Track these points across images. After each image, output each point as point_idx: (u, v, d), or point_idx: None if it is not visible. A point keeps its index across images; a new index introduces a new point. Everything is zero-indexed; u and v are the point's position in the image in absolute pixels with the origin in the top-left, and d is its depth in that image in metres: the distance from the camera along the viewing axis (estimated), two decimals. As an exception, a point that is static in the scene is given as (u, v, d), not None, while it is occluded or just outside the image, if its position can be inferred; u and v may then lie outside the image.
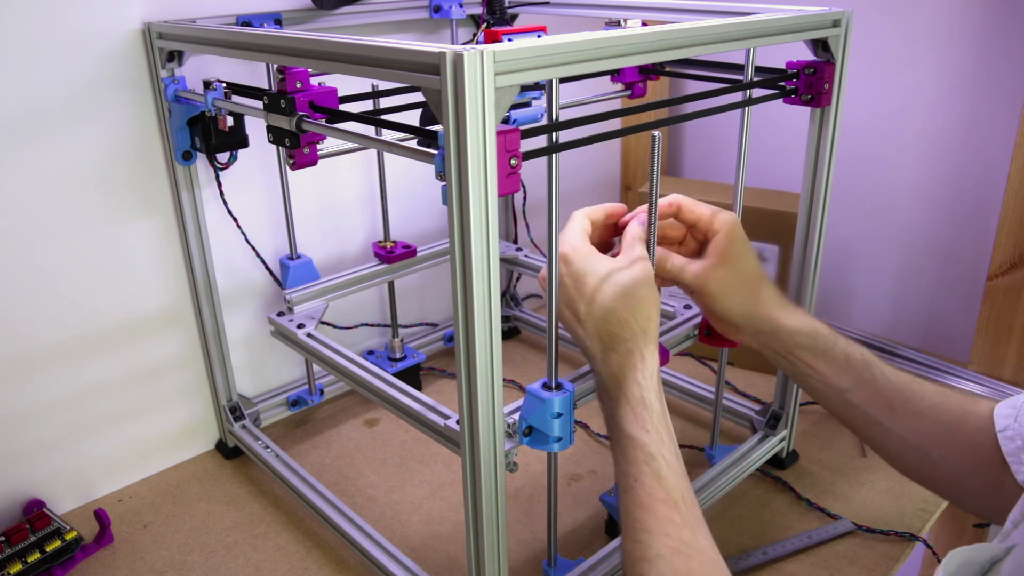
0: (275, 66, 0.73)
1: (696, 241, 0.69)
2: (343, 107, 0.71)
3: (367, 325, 1.12)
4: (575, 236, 0.62)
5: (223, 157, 0.86)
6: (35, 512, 0.80)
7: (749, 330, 0.66)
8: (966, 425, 0.59)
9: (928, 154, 1.12)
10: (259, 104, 0.69)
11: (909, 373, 0.64)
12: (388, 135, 0.63)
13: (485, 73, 0.45)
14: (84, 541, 0.81)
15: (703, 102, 0.67)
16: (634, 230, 0.63)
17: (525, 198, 1.20)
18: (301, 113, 0.65)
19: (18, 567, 0.75)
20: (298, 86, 0.68)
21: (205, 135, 0.81)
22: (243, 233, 0.92)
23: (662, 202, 0.67)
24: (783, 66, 0.74)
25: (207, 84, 0.76)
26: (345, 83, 0.74)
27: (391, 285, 1.06)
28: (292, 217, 0.94)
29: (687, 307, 0.83)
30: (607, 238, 0.68)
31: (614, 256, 0.62)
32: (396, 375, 0.79)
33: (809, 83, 0.73)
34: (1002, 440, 0.55)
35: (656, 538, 0.51)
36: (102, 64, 0.78)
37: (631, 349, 0.57)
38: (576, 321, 0.60)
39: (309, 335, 0.86)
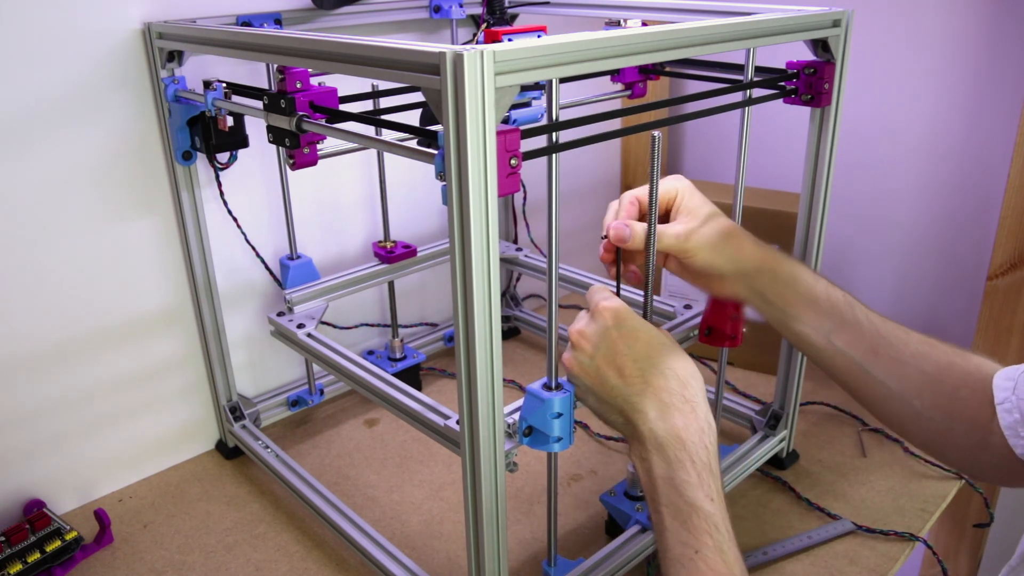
0: (275, 66, 0.73)
1: (664, 220, 0.67)
2: (343, 107, 0.71)
3: (367, 325, 1.12)
4: (611, 292, 0.62)
5: (223, 157, 0.86)
6: (35, 512, 0.80)
7: (735, 276, 0.65)
8: (951, 376, 0.59)
9: (928, 154, 1.12)
10: (259, 104, 0.69)
11: (895, 322, 0.64)
12: (388, 135, 0.63)
13: (485, 73, 0.45)
14: (84, 541, 0.81)
15: (703, 102, 0.67)
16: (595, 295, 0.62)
17: (525, 198, 1.20)
18: (301, 113, 0.65)
19: (18, 567, 0.75)
20: (298, 86, 0.68)
21: (205, 135, 0.81)
22: (243, 233, 0.92)
23: (624, 206, 0.66)
24: (783, 66, 0.74)
25: (207, 84, 0.76)
26: (345, 83, 0.74)
27: (391, 285, 1.06)
28: (292, 217, 0.94)
29: (687, 307, 0.83)
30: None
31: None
32: (396, 375, 0.79)
33: (809, 83, 0.73)
34: (1000, 413, 0.55)
35: None
36: (102, 64, 0.78)
37: (696, 412, 0.55)
38: (620, 377, 0.57)
39: (309, 335, 0.86)
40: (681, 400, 0.56)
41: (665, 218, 0.67)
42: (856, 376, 0.63)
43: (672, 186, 0.66)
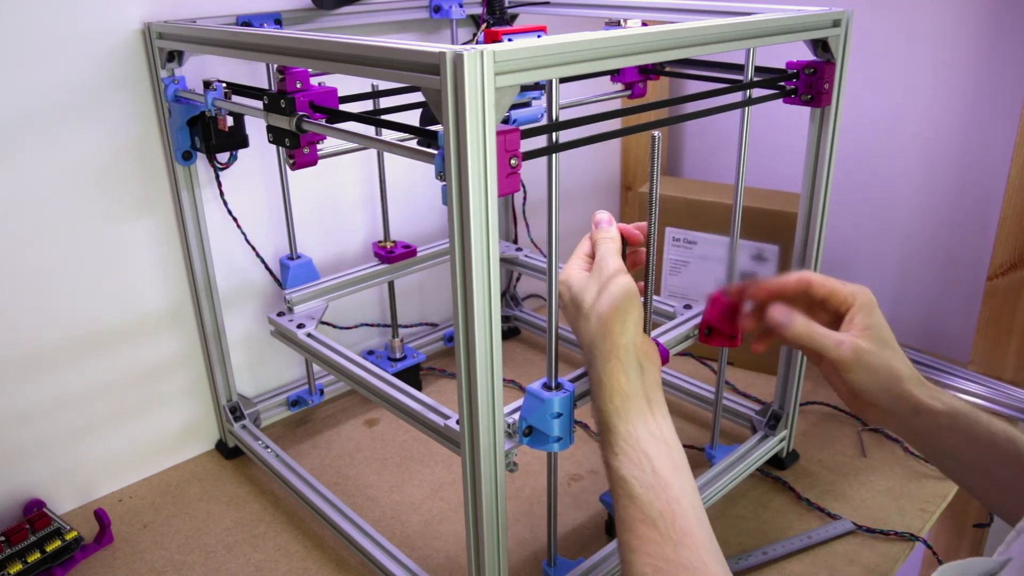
0: (275, 66, 0.73)
1: (827, 314, 0.66)
2: (343, 107, 0.71)
3: (367, 325, 1.12)
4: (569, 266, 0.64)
5: (223, 157, 0.86)
6: (35, 512, 0.80)
7: (886, 408, 0.63)
8: None
9: (928, 154, 1.12)
10: (259, 104, 0.69)
11: None
12: (388, 135, 0.63)
13: (485, 73, 0.45)
14: (84, 541, 0.81)
15: (703, 102, 0.67)
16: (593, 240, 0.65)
17: (525, 198, 1.20)
18: (301, 113, 0.65)
19: (18, 567, 0.75)
20: (298, 86, 0.68)
21: (205, 135, 0.81)
22: (243, 233, 0.92)
23: (791, 278, 0.65)
24: (783, 66, 0.74)
25: (207, 84, 0.76)
26: (345, 83, 0.74)
27: (391, 285, 1.06)
28: (292, 217, 0.94)
29: (687, 307, 0.83)
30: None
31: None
32: (396, 375, 0.79)
33: (809, 83, 0.73)
34: None
35: (638, 557, 0.51)
36: (102, 64, 0.78)
37: (601, 369, 0.58)
38: (577, 334, 0.61)
39: (309, 335, 0.86)
40: (595, 358, 0.59)
41: (835, 320, 0.65)
42: (1017, 504, 0.61)
43: (856, 291, 0.64)
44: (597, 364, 0.58)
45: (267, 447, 0.91)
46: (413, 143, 0.55)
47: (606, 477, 0.57)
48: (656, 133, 0.57)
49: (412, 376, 1.06)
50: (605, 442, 0.57)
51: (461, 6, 1.03)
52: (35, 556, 0.76)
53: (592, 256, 0.64)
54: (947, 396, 0.62)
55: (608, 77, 0.97)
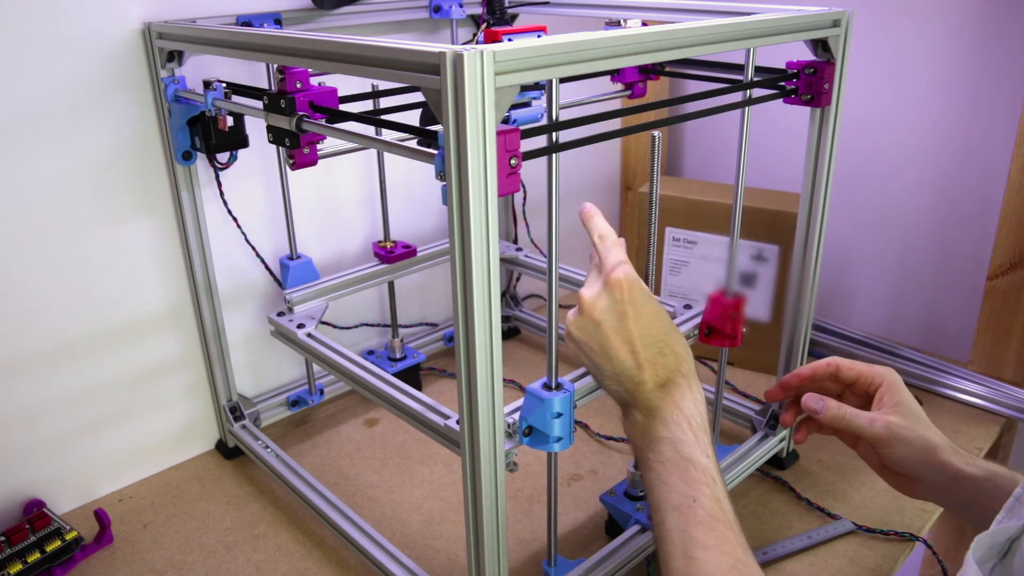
0: (275, 66, 0.73)
1: (856, 397, 0.70)
2: (343, 107, 0.71)
3: (367, 325, 1.12)
4: (631, 266, 0.63)
5: (223, 157, 0.86)
6: (35, 512, 0.80)
7: (927, 480, 0.65)
8: None
9: (928, 154, 1.12)
10: (259, 104, 0.69)
11: None
12: (388, 135, 0.63)
13: (485, 73, 0.45)
14: (84, 541, 0.81)
15: (703, 102, 0.67)
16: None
17: (525, 198, 1.20)
18: (301, 113, 0.65)
19: (18, 567, 0.75)
20: (298, 86, 0.68)
21: (205, 135, 0.81)
22: (243, 233, 0.92)
23: (820, 363, 0.70)
24: (783, 66, 0.74)
25: (207, 84, 0.76)
26: (345, 83, 0.74)
27: (391, 285, 1.06)
28: (292, 217, 0.94)
29: (687, 307, 0.83)
30: None
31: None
32: (396, 375, 0.79)
33: (809, 83, 0.73)
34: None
35: (714, 555, 0.52)
36: (102, 64, 0.78)
37: (691, 384, 0.60)
38: (628, 352, 0.60)
39: (309, 335, 0.86)
40: (678, 375, 0.60)
41: (864, 403, 0.69)
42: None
43: (882, 372, 0.68)
44: (693, 373, 0.61)
45: (267, 447, 0.91)
46: (413, 143, 0.55)
47: (678, 478, 0.56)
48: (656, 133, 0.57)
49: (412, 376, 1.06)
50: (696, 440, 0.57)
51: (461, 6, 1.03)
52: (35, 556, 0.76)
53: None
54: (981, 461, 0.64)
55: (608, 77, 0.97)
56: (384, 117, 0.66)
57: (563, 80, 0.55)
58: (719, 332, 0.72)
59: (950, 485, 0.63)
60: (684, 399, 0.59)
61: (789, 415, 0.74)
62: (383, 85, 0.82)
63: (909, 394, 0.67)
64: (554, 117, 0.54)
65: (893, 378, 0.68)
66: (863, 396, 0.70)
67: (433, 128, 0.51)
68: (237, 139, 0.83)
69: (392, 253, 1.00)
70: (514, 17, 1.05)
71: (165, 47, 0.79)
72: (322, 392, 1.04)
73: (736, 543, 0.53)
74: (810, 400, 0.68)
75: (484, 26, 1.02)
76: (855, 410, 0.66)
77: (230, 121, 0.79)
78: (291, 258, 0.95)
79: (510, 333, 1.24)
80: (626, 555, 0.73)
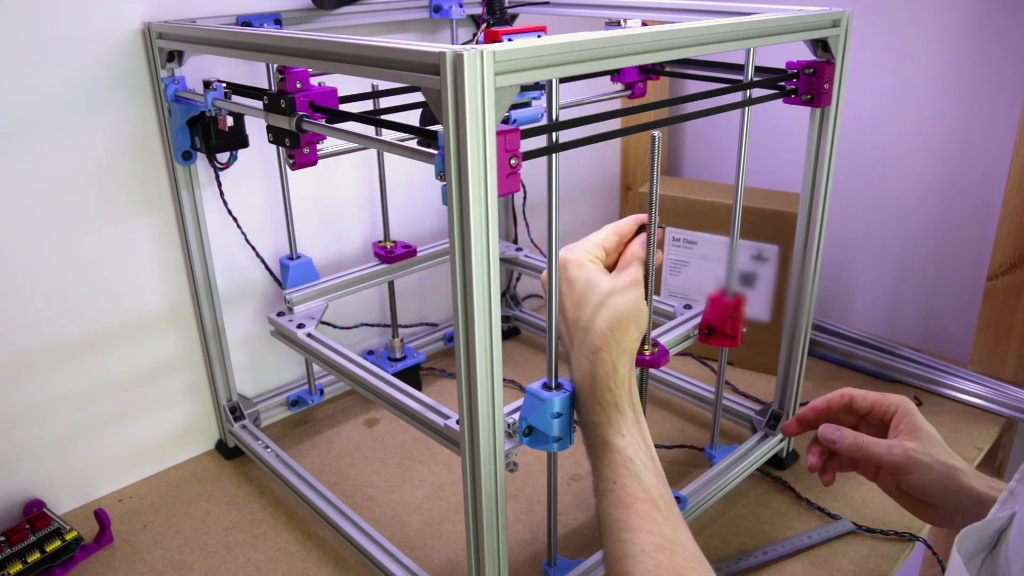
0: (275, 66, 0.73)
1: (872, 427, 0.70)
2: (343, 107, 0.71)
3: (367, 325, 1.12)
4: (579, 245, 0.63)
5: (223, 157, 0.86)
6: (35, 512, 0.80)
7: (950, 506, 0.64)
8: None
9: (928, 153, 1.12)
10: (259, 104, 0.69)
11: None
12: (388, 135, 0.63)
13: (485, 73, 0.45)
14: (84, 541, 0.81)
15: (703, 102, 0.67)
16: (635, 249, 0.63)
17: (525, 198, 1.20)
18: (301, 113, 0.65)
19: (18, 567, 0.75)
20: (298, 86, 0.68)
21: (205, 135, 0.81)
22: (243, 233, 0.92)
23: (834, 395, 0.71)
24: (783, 66, 0.74)
25: (207, 84, 0.76)
26: (345, 83, 0.74)
27: (391, 285, 1.06)
28: (292, 217, 0.94)
29: (687, 307, 0.83)
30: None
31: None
32: (396, 375, 0.79)
33: (809, 83, 0.73)
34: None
35: (639, 535, 0.52)
36: (102, 64, 0.78)
37: (604, 359, 0.58)
38: (564, 326, 0.61)
39: (309, 335, 0.86)
40: (589, 350, 0.58)
41: (881, 433, 0.68)
42: None
43: (896, 400, 0.68)
44: (613, 351, 0.58)
45: (267, 447, 0.91)
46: (413, 143, 0.55)
47: (598, 461, 0.57)
48: (656, 133, 0.57)
49: (412, 376, 1.06)
50: (609, 422, 0.57)
51: (461, 6, 1.03)
52: (35, 556, 0.76)
53: (609, 252, 0.64)
54: (1002, 483, 0.63)
55: (608, 77, 0.97)
56: (384, 117, 0.66)
57: (563, 80, 0.55)
58: (719, 332, 0.72)
59: (973, 510, 0.62)
60: (593, 376, 0.58)
61: (815, 457, 0.70)
62: (383, 85, 0.82)
63: (924, 420, 0.67)
64: (554, 117, 0.54)
65: (908, 405, 0.67)
66: (878, 426, 0.69)
67: (433, 128, 0.51)
68: (237, 139, 0.83)
69: (392, 253, 1.00)
70: (514, 17, 1.05)
71: (165, 47, 0.79)
72: (322, 392, 1.04)
73: (663, 520, 0.53)
74: (826, 431, 0.68)
75: (484, 26, 1.02)
76: (872, 438, 0.66)
77: (230, 121, 0.79)
78: (291, 258, 0.95)
79: (510, 333, 1.24)
80: (626, 555, 0.72)
